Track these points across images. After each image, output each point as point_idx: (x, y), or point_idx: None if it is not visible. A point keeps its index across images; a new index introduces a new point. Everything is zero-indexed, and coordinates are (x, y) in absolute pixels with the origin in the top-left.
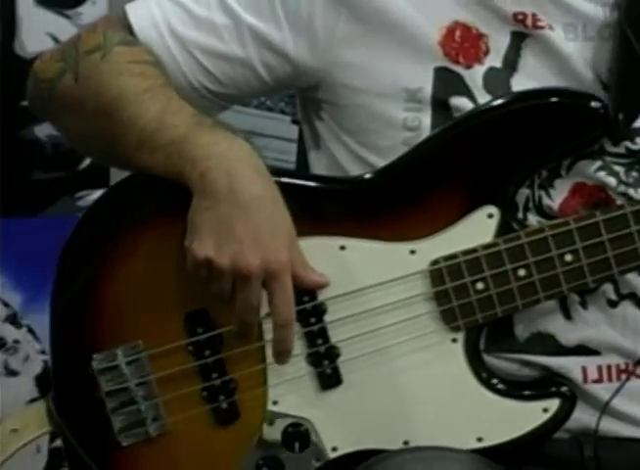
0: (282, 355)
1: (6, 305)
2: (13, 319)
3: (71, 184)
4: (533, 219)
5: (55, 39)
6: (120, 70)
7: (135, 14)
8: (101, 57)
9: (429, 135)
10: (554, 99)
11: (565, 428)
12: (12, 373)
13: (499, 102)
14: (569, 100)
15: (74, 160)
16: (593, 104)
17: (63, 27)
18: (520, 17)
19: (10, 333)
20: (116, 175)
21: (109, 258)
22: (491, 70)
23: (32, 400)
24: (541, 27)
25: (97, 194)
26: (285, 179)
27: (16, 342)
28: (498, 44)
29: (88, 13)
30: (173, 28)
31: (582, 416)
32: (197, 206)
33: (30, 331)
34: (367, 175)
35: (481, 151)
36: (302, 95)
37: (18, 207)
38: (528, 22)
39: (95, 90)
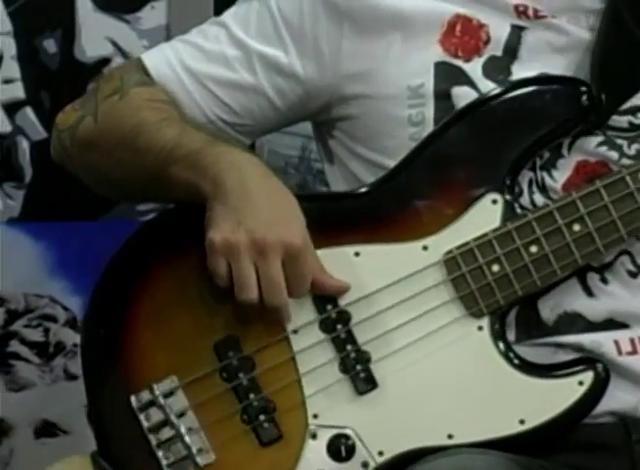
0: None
1: (65, 308)
2: (72, 323)
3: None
4: (540, 200)
5: (114, 44)
6: (138, 105)
7: (150, 57)
8: (119, 98)
9: (426, 135)
10: (539, 86)
11: (610, 410)
12: (71, 377)
13: (490, 94)
14: (553, 85)
15: (116, 199)
16: (576, 87)
17: (122, 32)
18: (521, 8)
19: (69, 337)
20: None
21: (137, 298)
22: (491, 58)
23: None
24: (543, 17)
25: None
26: (298, 200)
27: (75, 346)
28: (498, 33)
29: (147, 17)
30: (186, 65)
31: (625, 396)
32: (210, 206)
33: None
34: (370, 186)
35: (478, 142)
36: (315, 121)
37: (78, 211)
38: (530, 12)
39: (114, 125)
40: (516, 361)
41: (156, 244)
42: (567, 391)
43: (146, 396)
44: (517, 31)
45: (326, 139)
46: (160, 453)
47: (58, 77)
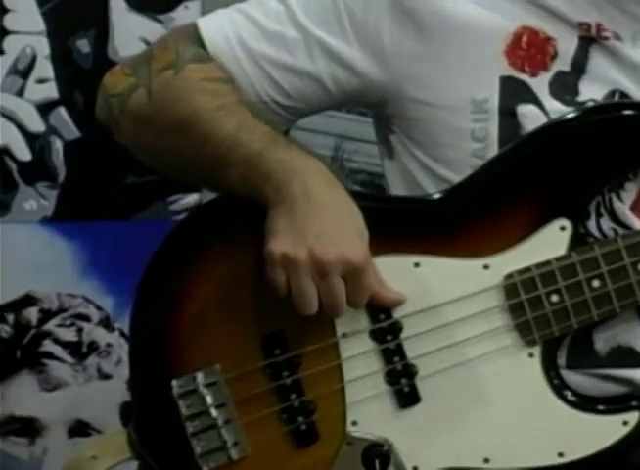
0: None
1: (99, 308)
2: (106, 323)
3: (164, 188)
4: (606, 226)
5: (147, 44)
6: (194, 87)
7: (207, 28)
8: (174, 74)
9: (499, 152)
10: (626, 112)
11: None
12: (105, 377)
13: (570, 116)
14: (635, 112)
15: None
16: None
17: (155, 32)
18: (584, 27)
19: (103, 337)
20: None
21: (187, 285)
22: (559, 74)
23: (125, 406)
24: (607, 38)
25: (189, 198)
26: (361, 201)
27: (108, 345)
28: (566, 47)
29: (181, 17)
30: (244, 42)
31: None
32: (272, 215)
33: (123, 335)
34: (439, 194)
35: (554, 165)
36: (373, 111)
37: (111, 210)
38: (593, 31)
39: (168, 107)
40: (563, 392)
41: (210, 231)
42: (610, 429)
43: (188, 383)
44: (585, 45)
45: (386, 133)
46: (194, 442)
47: (91, 77)
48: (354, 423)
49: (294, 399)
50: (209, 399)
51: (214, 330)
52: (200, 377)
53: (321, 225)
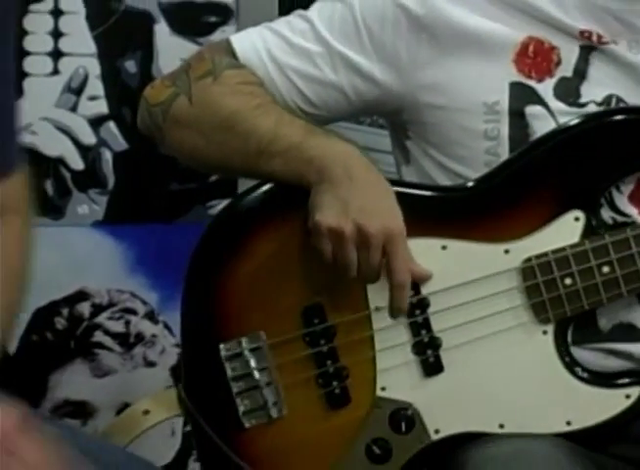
0: (397, 312)
1: (144, 303)
2: (151, 316)
3: (203, 194)
4: (607, 215)
5: None
6: (232, 90)
7: (239, 42)
8: (213, 80)
9: (520, 149)
10: (634, 116)
11: None
12: (150, 364)
13: (589, 118)
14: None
15: (206, 173)
16: None
17: None
18: (586, 34)
19: (148, 328)
20: (243, 185)
21: (234, 260)
22: (562, 79)
23: (173, 386)
24: (606, 43)
25: (225, 202)
26: (395, 188)
27: (153, 336)
28: (569, 55)
29: (218, 40)
30: (273, 55)
31: None
32: (316, 192)
33: (166, 327)
34: (469, 183)
35: (571, 163)
36: (389, 119)
37: (156, 214)
38: (594, 38)
39: (211, 109)
40: (572, 367)
41: (257, 211)
42: (614, 401)
43: (234, 347)
44: (585, 54)
45: (402, 140)
46: (237, 401)
47: (138, 95)
48: (383, 389)
49: (329, 365)
50: (253, 363)
51: (259, 301)
52: (245, 342)
53: (363, 201)
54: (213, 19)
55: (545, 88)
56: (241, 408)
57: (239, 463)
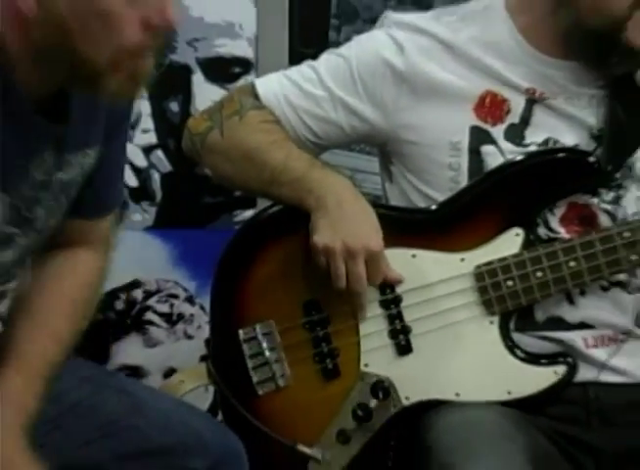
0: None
1: (185, 289)
2: (190, 299)
3: (229, 206)
4: (542, 232)
5: None
6: (254, 128)
7: (261, 86)
8: (239, 119)
9: (474, 179)
10: (564, 155)
11: (577, 381)
12: (189, 337)
13: (525, 157)
14: (575, 156)
15: (230, 189)
16: (591, 159)
17: (224, 94)
18: (530, 91)
19: (188, 309)
20: (261, 200)
21: (252, 263)
22: (511, 125)
23: (203, 357)
24: (546, 98)
25: (246, 213)
26: (377, 209)
27: (192, 315)
28: (516, 106)
29: None
30: (288, 98)
31: (588, 372)
32: (315, 218)
33: (202, 308)
34: (433, 207)
35: (514, 190)
36: (377, 148)
37: (193, 221)
38: (537, 94)
39: (237, 143)
40: (513, 349)
41: (270, 226)
42: (545, 376)
43: (250, 332)
44: (529, 105)
45: (387, 164)
46: (252, 373)
47: (180, 128)
48: (366, 365)
49: (323, 346)
50: (264, 344)
51: (270, 296)
52: (258, 328)
53: (349, 225)
54: (238, 69)
55: (497, 132)
56: (255, 379)
57: (254, 422)
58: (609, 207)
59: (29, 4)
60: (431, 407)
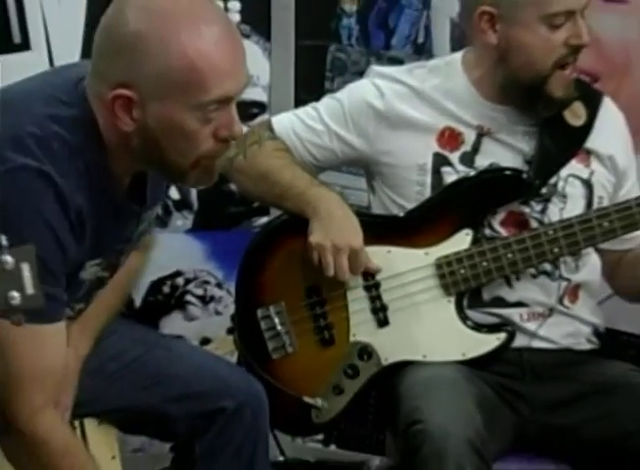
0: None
1: (215, 277)
2: (219, 285)
3: (249, 214)
4: (487, 233)
5: None
6: (269, 155)
7: (276, 122)
8: (258, 147)
9: (434, 193)
10: (504, 173)
11: (514, 347)
12: (218, 313)
13: (475, 174)
14: (512, 173)
15: (251, 201)
16: (523, 176)
17: None
18: (479, 126)
19: (217, 292)
20: (274, 210)
21: (266, 257)
22: (464, 152)
23: (229, 330)
24: (492, 132)
25: (262, 219)
26: (359, 217)
27: (220, 297)
28: (469, 138)
29: None
30: (295, 132)
31: (521, 340)
32: (311, 222)
33: (228, 291)
34: (401, 214)
35: (464, 200)
36: (363, 169)
37: (222, 225)
38: (485, 129)
39: (256, 165)
40: (465, 321)
41: (279, 230)
42: (489, 341)
43: (265, 311)
44: (479, 138)
45: (371, 181)
46: (268, 342)
47: None
48: (354, 335)
49: (321, 321)
50: (276, 320)
51: (281, 283)
52: (272, 308)
53: (336, 228)
54: (255, 110)
55: (454, 157)
56: (269, 347)
57: (269, 380)
58: (537, 215)
59: (126, 122)
60: (403, 366)
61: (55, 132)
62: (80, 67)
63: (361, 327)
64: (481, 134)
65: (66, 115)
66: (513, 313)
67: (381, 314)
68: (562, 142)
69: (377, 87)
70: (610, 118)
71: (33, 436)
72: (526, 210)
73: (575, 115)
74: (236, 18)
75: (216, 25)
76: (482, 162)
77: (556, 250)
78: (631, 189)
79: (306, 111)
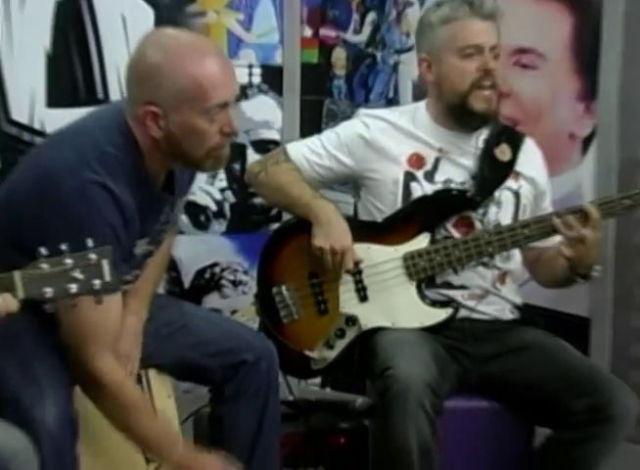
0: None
1: (243, 266)
2: (245, 273)
3: (266, 221)
4: (442, 233)
5: None
6: (285, 173)
7: (290, 149)
8: (277, 167)
9: (404, 204)
10: (453, 192)
11: (457, 318)
12: (244, 293)
13: (432, 193)
14: (459, 193)
15: (269, 210)
16: (468, 194)
17: None
18: (439, 148)
19: (244, 278)
20: (286, 216)
21: (279, 250)
22: (427, 171)
23: (252, 304)
24: (449, 153)
25: (276, 225)
26: (349, 222)
27: (247, 282)
28: (430, 159)
29: None
30: (305, 156)
31: (464, 313)
32: (314, 228)
33: (252, 277)
34: (379, 220)
35: (424, 212)
36: (351, 184)
37: (249, 229)
38: (443, 151)
39: (274, 180)
40: (423, 299)
41: (290, 230)
42: (440, 314)
43: (278, 290)
44: (437, 159)
45: (358, 190)
46: (280, 311)
47: (240, 178)
48: (342, 307)
49: (319, 297)
50: (286, 295)
51: (290, 269)
52: (283, 287)
53: (333, 233)
54: (271, 146)
55: (419, 174)
56: (281, 315)
57: (280, 338)
58: (480, 217)
59: (155, 131)
60: (378, 330)
61: (109, 152)
62: (120, 102)
63: (348, 302)
64: (440, 157)
65: (115, 139)
66: (457, 294)
67: (362, 293)
68: (493, 172)
69: (364, 123)
70: (530, 152)
71: (103, 376)
72: (472, 214)
73: (503, 153)
74: (258, 79)
75: (211, 54)
76: (440, 177)
77: (490, 249)
78: (547, 206)
79: (312, 141)
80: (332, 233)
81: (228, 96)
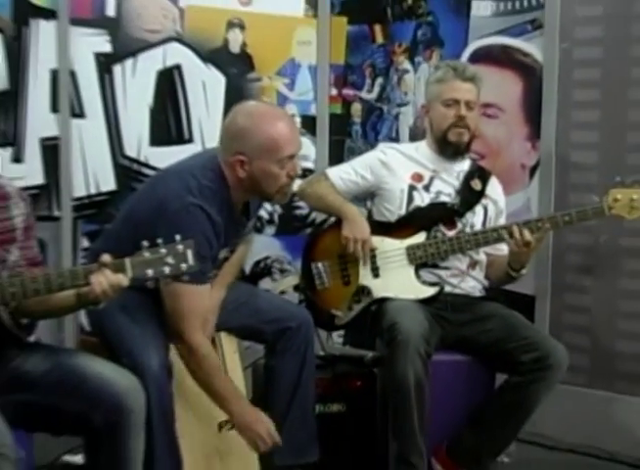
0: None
1: (287, 258)
2: (290, 263)
3: (304, 226)
4: (436, 233)
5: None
6: (323, 188)
7: (329, 172)
8: (319, 184)
9: (409, 210)
10: (444, 205)
11: (443, 293)
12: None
13: (427, 205)
14: (448, 206)
15: (306, 218)
16: (455, 207)
17: None
18: (433, 169)
19: (288, 267)
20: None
21: (317, 241)
22: (424, 184)
23: (285, 276)
24: (440, 172)
25: (308, 229)
26: (368, 220)
27: (289, 270)
28: (427, 176)
29: None
30: (340, 176)
31: (447, 289)
32: (344, 223)
33: (294, 267)
34: (392, 220)
35: (422, 218)
36: (368, 194)
37: (290, 232)
38: (436, 171)
39: (316, 193)
40: (419, 278)
41: (327, 227)
42: (430, 290)
43: (316, 265)
44: (432, 178)
45: (373, 197)
46: (315, 280)
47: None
48: (361, 281)
49: (344, 272)
50: (321, 269)
51: (325, 251)
52: (319, 264)
53: (356, 227)
54: (308, 173)
55: (419, 187)
56: (316, 283)
57: (315, 300)
58: (463, 221)
59: (241, 173)
60: (386, 300)
61: (205, 184)
62: (212, 149)
63: (364, 277)
64: (434, 176)
65: (210, 175)
66: (443, 274)
67: (375, 271)
68: (470, 195)
69: (382, 151)
70: (494, 185)
71: (195, 347)
72: (457, 218)
73: (476, 185)
74: (298, 126)
75: (283, 118)
76: (433, 189)
77: (468, 246)
78: (503, 222)
79: (345, 166)
80: (356, 227)
81: (295, 149)
